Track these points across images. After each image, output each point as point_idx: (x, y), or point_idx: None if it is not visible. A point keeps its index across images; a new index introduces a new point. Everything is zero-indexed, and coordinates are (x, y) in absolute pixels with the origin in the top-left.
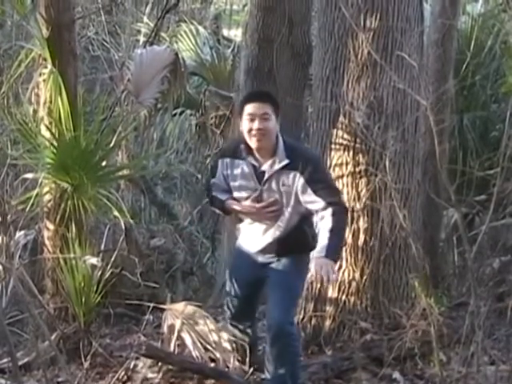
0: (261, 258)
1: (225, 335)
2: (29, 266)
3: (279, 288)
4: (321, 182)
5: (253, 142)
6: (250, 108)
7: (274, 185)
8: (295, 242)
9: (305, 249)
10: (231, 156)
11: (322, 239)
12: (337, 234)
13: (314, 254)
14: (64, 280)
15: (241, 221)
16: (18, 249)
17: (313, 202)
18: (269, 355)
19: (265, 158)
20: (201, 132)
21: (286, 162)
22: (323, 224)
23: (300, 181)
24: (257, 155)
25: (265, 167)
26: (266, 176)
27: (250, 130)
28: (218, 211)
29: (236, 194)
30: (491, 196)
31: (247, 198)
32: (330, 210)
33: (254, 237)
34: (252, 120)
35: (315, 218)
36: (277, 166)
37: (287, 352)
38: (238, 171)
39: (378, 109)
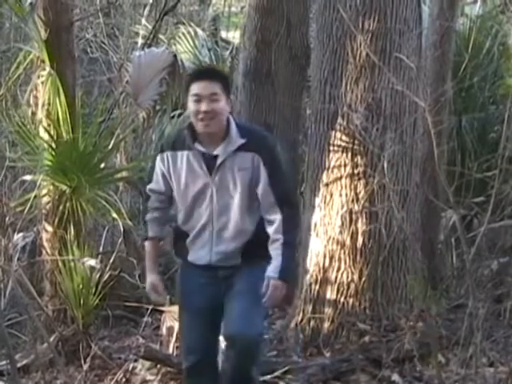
0: (222, 271)
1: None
2: (27, 268)
3: (245, 296)
4: (279, 173)
5: (200, 127)
6: (195, 88)
7: (227, 171)
8: (261, 243)
9: (267, 253)
10: (171, 148)
11: (275, 255)
12: (289, 247)
13: (268, 273)
14: (62, 282)
15: (180, 240)
16: (17, 251)
17: (264, 195)
18: (227, 373)
19: (215, 142)
20: None
21: (242, 141)
22: (274, 233)
23: (260, 164)
24: (205, 140)
25: (217, 150)
26: (219, 160)
27: (196, 113)
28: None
29: (180, 197)
30: (489, 198)
31: (196, 197)
32: (280, 216)
33: (208, 247)
34: (198, 101)
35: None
36: (231, 147)
37: (252, 374)
38: (181, 164)
39: (376, 110)
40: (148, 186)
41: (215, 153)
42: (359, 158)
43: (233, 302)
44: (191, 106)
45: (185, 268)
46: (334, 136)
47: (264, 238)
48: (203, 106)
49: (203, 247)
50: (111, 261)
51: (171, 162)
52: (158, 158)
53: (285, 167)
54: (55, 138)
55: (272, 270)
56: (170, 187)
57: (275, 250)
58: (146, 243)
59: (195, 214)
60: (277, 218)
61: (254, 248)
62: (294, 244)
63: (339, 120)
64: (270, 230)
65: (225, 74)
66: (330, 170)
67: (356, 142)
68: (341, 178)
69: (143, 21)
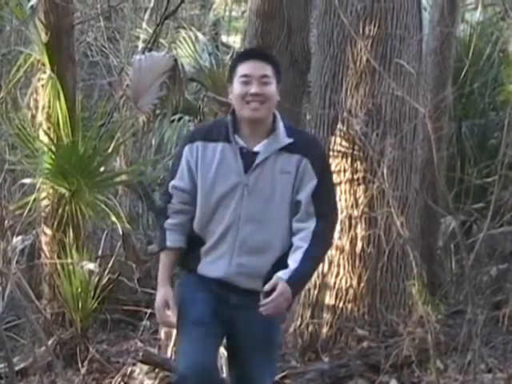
0: (235, 296)
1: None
2: (26, 271)
3: (263, 348)
4: (327, 182)
5: (247, 111)
6: (245, 68)
7: (267, 172)
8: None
9: None
10: (204, 138)
11: (293, 258)
12: (311, 259)
13: (278, 274)
14: (61, 285)
15: (191, 247)
16: (16, 254)
17: (305, 205)
18: None
19: (258, 136)
20: None
21: (289, 140)
22: (301, 239)
23: (307, 168)
24: (247, 133)
25: (259, 147)
26: (260, 158)
27: (244, 96)
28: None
29: (204, 196)
30: (489, 204)
31: (223, 198)
32: (313, 227)
33: (228, 256)
34: (247, 83)
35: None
36: (276, 145)
37: None
38: (213, 157)
39: (376, 116)
40: (171, 183)
41: (256, 149)
42: (359, 163)
43: (245, 358)
44: (237, 88)
45: (190, 279)
46: (334, 141)
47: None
48: (253, 88)
49: (222, 257)
50: (110, 264)
51: (201, 154)
52: (187, 148)
53: (332, 177)
54: (55, 141)
55: (284, 272)
56: (195, 184)
57: (294, 255)
58: (162, 254)
59: (217, 217)
60: (309, 227)
61: (281, 269)
62: (317, 259)
63: (339, 125)
64: (295, 237)
65: (276, 58)
66: None
67: (356, 147)
68: (340, 183)
69: (144, 25)
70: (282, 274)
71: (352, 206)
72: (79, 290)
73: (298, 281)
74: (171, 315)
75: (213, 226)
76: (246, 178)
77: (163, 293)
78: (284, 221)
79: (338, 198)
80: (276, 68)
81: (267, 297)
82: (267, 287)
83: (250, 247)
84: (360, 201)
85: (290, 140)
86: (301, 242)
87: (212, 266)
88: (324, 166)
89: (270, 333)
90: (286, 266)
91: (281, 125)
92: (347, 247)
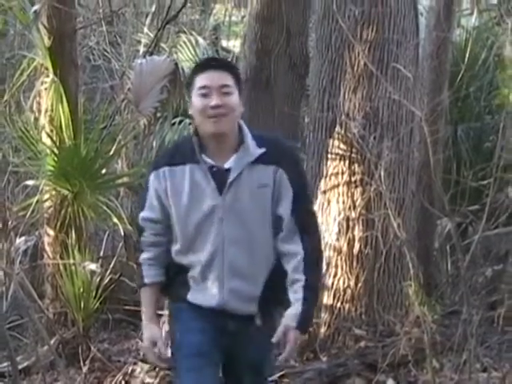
0: (233, 323)
1: None
2: (29, 272)
3: (260, 371)
4: (304, 193)
5: (209, 126)
6: (203, 79)
7: (243, 189)
8: (281, 281)
9: (286, 296)
10: (169, 163)
11: (295, 299)
12: (313, 291)
13: (284, 321)
14: (63, 285)
15: (176, 276)
16: (19, 254)
17: (285, 219)
18: None
19: (226, 152)
20: None
21: (260, 150)
22: (294, 272)
23: (282, 179)
24: (214, 150)
25: (229, 163)
26: (233, 175)
27: (204, 109)
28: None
29: (180, 224)
30: (484, 206)
31: (201, 224)
32: (301, 250)
33: (219, 283)
34: (206, 95)
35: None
36: (248, 158)
37: None
38: (182, 182)
39: (373, 119)
40: (140, 215)
41: (227, 166)
42: (356, 165)
43: (241, 381)
44: (197, 102)
45: (182, 308)
46: (332, 144)
47: (284, 274)
48: (214, 100)
49: (212, 285)
50: (112, 265)
51: (169, 181)
52: (152, 176)
53: (309, 186)
54: (58, 143)
55: (291, 317)
56: (167, 213)
57: (295, 294)
58: (143, 291)
59: (199, 245)
60: (297, 251)
61: (274, 288)
62: (317, 287)
63: (337, 128)
64: (289, 266)
65: (236, 66)
66: (327, 178)
67: (353, 150)
68: (338, 185)
69: (145, 29)
70: (290, 320)
71: (350, 207)
72: (81, 290)
73: (306, 322)
74: (161, 356)
75: (195, 255)
76: (221, 199)
77: (150, 332)
78: (268, 236)
79: (315, 207)
80: (236, 76)
81: (262, 319)
82: (277, 337)
83: (239, 270)
84: (357, 203)
85: (262, 150)
86: (296, 274)
87: (203, 295)
88: (298, 175)
89: (266, 354)
90: (277, 284)
91: (249, 136)
92: (345, 248)
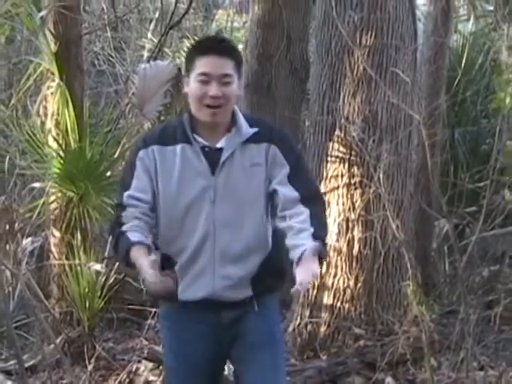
0: (227, 313)
1: None
2: (35, 272)
3: (263, 359)
4: (301, 165)
5: (205, 115)
6: (204, 64)
7: (236, 169)
8: (278, 266)
9: (284, 277)
10: (158, 142)
11: (302, 236)
12: (321, 244)
13: (296, 256)
14: (69, 285)
15: (167, 266)
16: (25, 255)
17: (284, 191)
18: None
19: (219, 133)
20: None
21: (252, 130)
22: (301, 223)
23: (276, 156)
24: (206, 130)
25: (221, 142)
26: (225, 155)
27: (201, 97)
28: (120, 261)
29: (168, 206)
30: (481, 207)
31: (191, 205)
32: (307, 211)
33: (210, 271)
34: (206, 82)
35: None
36: (240, 138)
37: None
38: (173, 162)
39: (372, 123)
40: (126, 193)
41: (219, 145)
42: (356, 168)
43: (248, 368)
44: (195, 88)
45: (173, 313)
46: (332, 147)
47: (281, 256)
48: (212, 90)
49: (202, 272)
50: (116, 265)
51: (159, 160)
52: (142, 153)
53: (305, 161)
54: (63, 146)
55: (305, 247)
56: (154, 196)
57: (301, 236)
58: (133, 251)
59: (187, 229)
60: (302, 211)
61: (270, 272)
62: (326, 243)
63: (337, 132)
64: (294, 221)
65: (237, 48)
66: (327, 180)
67: (353, 152)
68: (338, 187)
69: (149, 35)
70: (304, 249)
71: (349, 209)
72: (86, 289)
73: (322, 251)
74: (168, 279)
75: (183, 240)
76: (213, 179)
77: (148, 260)
78: (262, 217)
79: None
80: (237, 62)
81: (258, 303)
82: (297, 261)
83: (232, 254)
84: (357, 204)
85: (254, 130)
86: (303, 224)
87: (193, 286)
88: (294, 150)
89: (272, 331)
90: (273, 268)
91: (241, 117)
92: (344, 249)
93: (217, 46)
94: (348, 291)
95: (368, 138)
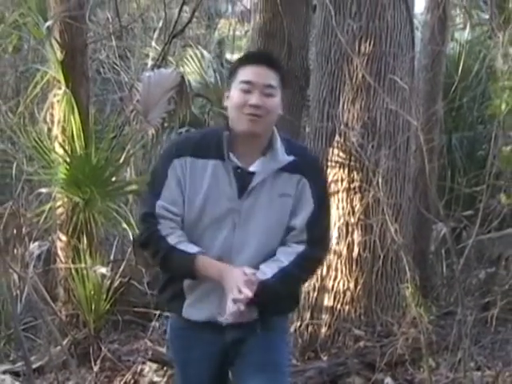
0: (232, 334)
1: None
2: (42, 275)
3: (265, 378)
4: (324, 208)
5: (243, 124)
6: (248, 73)
7: (264, 195)
8: (288, 289)
9: (295, 302)
10: (192, 153)
11: (264, 270)
12: (286, 276)
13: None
14: (75, 288)
15: (172, 284)
16: (33, 259)
17: (298, 230)
18: None
19: (253, 154)
20: None
21: (289, 158)
22: (282, 253)
23: (305, 190)
24: (242, 149)
25: (255, 166)
26: (257, 180)
27: (242, 106)
28: (176, 275)
29: (190, 222)
30: (478, 211)
31: (211, 225)
32: (301, 249)
33: (217, 294)
34: (248, 91)
35: None
36: (275, 164)
37: None
38: (203, 177)
39: (371, 129)
40: (158, 203)
41: (252, 169)
42: (355, 173)
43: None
44: (236, 96)
45: (179, 329)
46: (332, 152)
47: (291, 282)
48: (254, 98)
49: (209, 294)
50: (121, 269)
51: (189, 173)
52: (176, 163)
53: (330, 202)
54: (70, 152)
55: (266, 266)
56: (184, 209)
57: (266, 268)
58: (197, 262)
59: (204, 246)
60: (296, 250)
61: (277, 298)
62: (293, 277)
63: (336, 137)
64: (279, 251)
65: (283, 67)
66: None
67: (352, 158)
68: (338, 192)
69: (153, 43)
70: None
71: (349, 213)
72: (92, 292)
73: (262, 293)
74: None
75: None
76: (239, 203)
77: (237, 274)
78: (276, 246)
79: (331, 225)
80: (282, 76)
81: (262, 326)
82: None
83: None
84: (356, 209)
85: (291, 158)
86: (281, 256)
87: (199, 306)
88: (323, 190)
89: (275, 354)
90: (279, 292)
91: (279, 141)
92: (344, 252)
93: (262, 56)
94: (348, 293)
95: (367, 143)
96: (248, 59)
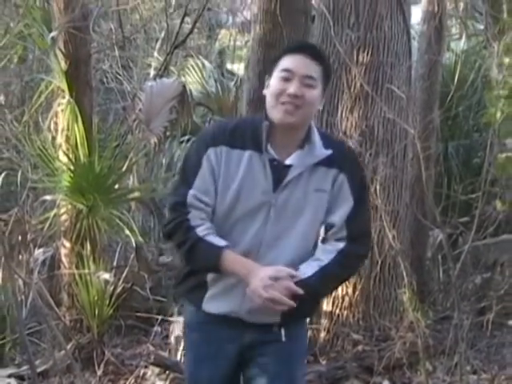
0: (251, 334)
1: None
2: (47, 281)
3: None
4: (363, 203)
5: (278, 113)
6: (289, 61)
7: (300, 190)
8: (329, 288)
9: (317, 305)
10: (228, 143)
11: (304, 269)
12: (326, 276)
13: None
14: (79, 294)
15: (194, 275)
16: (37, 265)
17: (337, 227)
18: None
19: (290, 147)
20: None
21: (327, 152)
22: (323, 251)
23: (343, 186)
24: (278, 141)
25: (292, 159)
26: (293, 174)
27: (279, 94)
28: (199, 268)
29: (222, 214)
30: (473, 218)
31: (244, 218)
32: (341, 246)
33: (242, 288)
34: (287, 79)
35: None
36: (312, 158)
37: None
38: (238, 168)
39: (369, 137)
40: (190, 192)
41: (288, 162)
42: None
43: None
44: (275, 83)
45: (196, 324)
46: None
47: (317, 284)
48: (292, 87)
49: (233, 288)
50: (124, 275)
51: (224, 162)
52: (210, 151)
53: (369, 197)
54: (73, 160)
55: (306, 267)
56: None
57: (306, 267)
58: (222, 256)
59: (232, 239)
60: (336, 245)
61: (302, 298)
62: (335, 277)
63: None
64: (318, 250)
65: (328, 61)
66: None
67: None
68: None
69: (155, 54)
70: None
71: None
72: (96, 298)
73: (312, 283)
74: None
75: None
76: (274, 196)
77: (263, 275)
78: (311, 242)
79: (371, 220)
80: (326, 71)
81: (286, 332)
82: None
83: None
84: None
85: (328, 152)
86: (321, 255)
87: (220, 299)
88: (362, 185)
89: (292, 371)
90: (305, 296)
91: (316, 135)
92: None
93: (306, 46)
94: (346, 298)
95: (365, 151)
96: (292, 48)
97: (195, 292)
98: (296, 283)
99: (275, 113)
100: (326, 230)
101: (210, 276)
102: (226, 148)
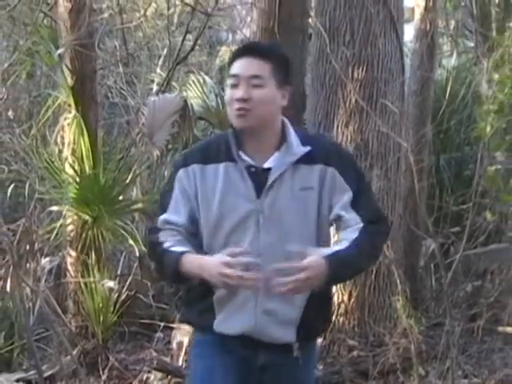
0: (264, 354)
1: None
2: (53, 289)
3: None
4: (366, 189)
5: (233, 119)
6: (236, 66)
7: (285, 191)
8: (325, 302)
9: (329, 320)
10: (200, 160)
11: (337, 246)
12: (359, 248)
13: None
14: (84, 301)
15: (199, 299)
16: (44, 273)
17: (347, 221)
18: None
19: (266, 150)
20: None
21: (305, 149)
22: (348, 231)
23: (336, 179)
24: (252, 147)
25: (270, 162)
26: (274, 176)
27: (230, 101)
28: (168, 279)
29: (209, 231)
30: (464, 228)
31: (233, 231)
32: (363, 225)
33: (252, 304)
34: (235, 86)
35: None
36: (291, 157)
37: None
38: (215, 182)
39: (364, 150)
40: (161, 217)
41: (266, 165)
42: None
43: None
44: (226, 92)
45: (206, 343)
46: None
47: (328, 295)
48: (238, 92)
49: (243, 305)
50: (128, 283)
51: (199, 180)
52: (181, 173)
53: (369, 182)
54: (79, 173)
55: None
56: (193, 219)
57: (337, 245)
58: (182, 259)
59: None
60: (358, 226)
61: (316, 310)
62: (365, 254)
63: None
64: (341, 232)
65: (281, 53)
66: None
67: None
68: None
69: (158, 70)
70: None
71: None
72: (100, 305)
73: (339, 263)
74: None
75: None
76: (259, 202)
77: (215, 263)
78: (311, 244)
79: (376, 199)
80: (277, 65)
81: (301, 350)
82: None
83: (282, 307)
84: None
85: (307, 149)
86: (347, 234)
87: (232, 319)
88: (354, 171)
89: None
90: (321, 305)
91: (292, 133)
92: None
93: (248, 47)
94: (342, 306)
95: (360, 163)
96: (236, 53)
97: (203, 318)
98: (327, 257)
99: (233, 120)
100: (337, 226)
101: (215, 300)
102: (199, 165)
